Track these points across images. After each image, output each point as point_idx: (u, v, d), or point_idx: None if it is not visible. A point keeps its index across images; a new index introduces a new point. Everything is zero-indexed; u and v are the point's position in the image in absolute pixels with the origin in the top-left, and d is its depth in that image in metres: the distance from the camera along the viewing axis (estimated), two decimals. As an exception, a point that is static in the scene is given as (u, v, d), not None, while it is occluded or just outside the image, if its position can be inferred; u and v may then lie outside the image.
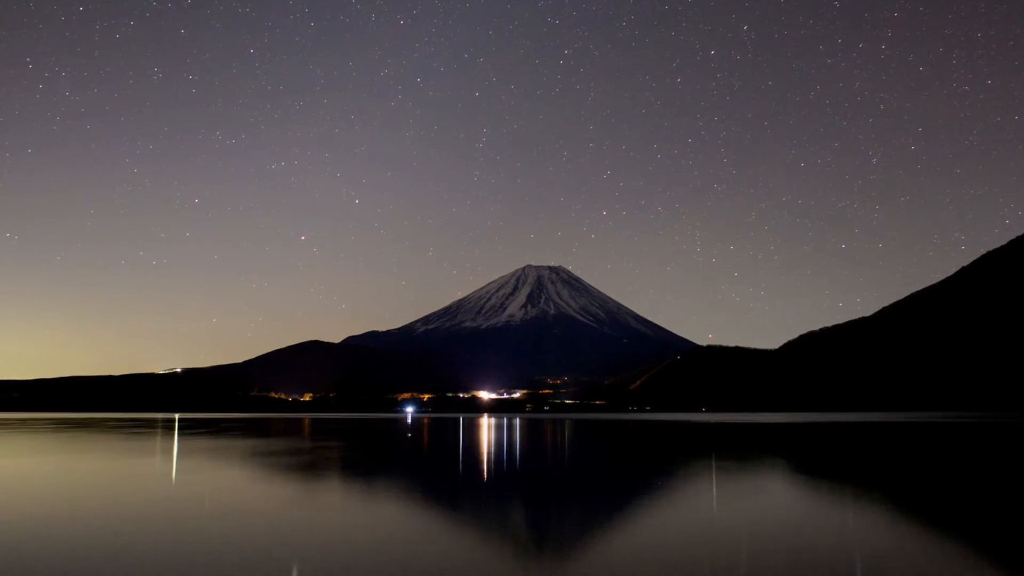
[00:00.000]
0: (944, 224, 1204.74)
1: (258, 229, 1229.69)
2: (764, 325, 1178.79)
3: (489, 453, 18.19)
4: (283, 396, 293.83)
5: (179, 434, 30.45)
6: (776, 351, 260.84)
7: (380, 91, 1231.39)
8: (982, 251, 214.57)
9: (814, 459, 16.76)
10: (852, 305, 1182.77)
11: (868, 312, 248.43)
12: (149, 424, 50.78)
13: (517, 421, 54.60)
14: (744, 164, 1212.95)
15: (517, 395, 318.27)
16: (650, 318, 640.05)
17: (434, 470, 14.63)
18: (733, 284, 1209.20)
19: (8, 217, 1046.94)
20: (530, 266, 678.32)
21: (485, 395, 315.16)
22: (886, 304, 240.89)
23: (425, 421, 59.05)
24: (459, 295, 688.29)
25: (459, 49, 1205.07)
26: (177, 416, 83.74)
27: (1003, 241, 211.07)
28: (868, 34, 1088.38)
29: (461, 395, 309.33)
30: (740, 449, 21.53)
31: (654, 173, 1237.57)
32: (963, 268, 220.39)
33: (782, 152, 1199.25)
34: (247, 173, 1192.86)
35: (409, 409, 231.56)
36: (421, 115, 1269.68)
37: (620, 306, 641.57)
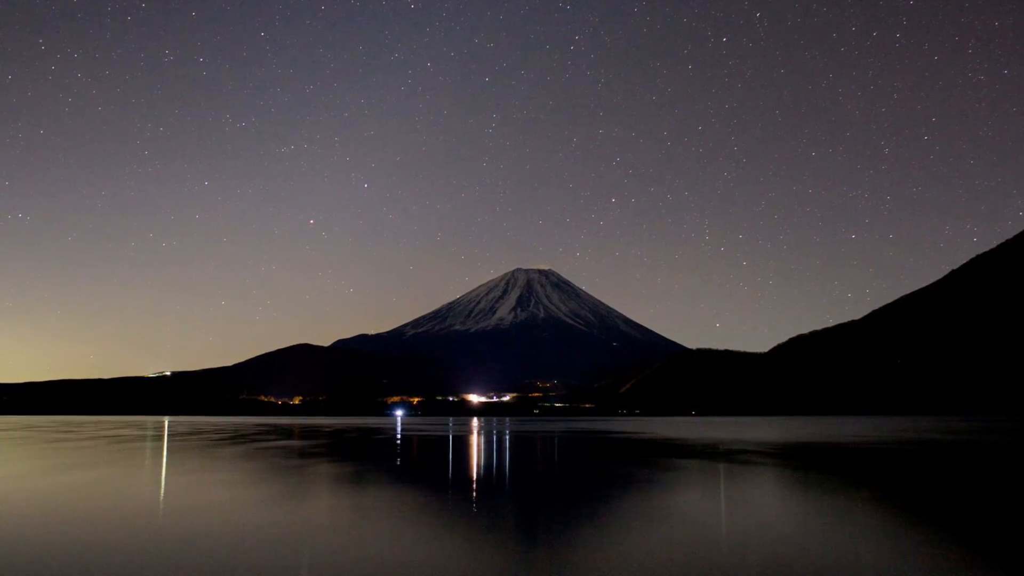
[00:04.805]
0: (956, 215, 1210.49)
1: (267, 212, 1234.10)
2: (765, 321, 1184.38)
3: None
4: (272, 399, 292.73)
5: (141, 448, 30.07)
6: (765, 354, 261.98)
7: (390, 76, 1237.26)
8: (995, 243, 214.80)
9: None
10: (861, 297, 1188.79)
11: (877, 304, 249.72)
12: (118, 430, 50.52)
13: (508, 430, 54.72)
14: (754, 152, 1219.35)
15: (507, 398, 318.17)
16: (640, 322, 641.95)
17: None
18: (741, 273, 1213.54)
19: (19, 198, 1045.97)
20: (519, 269, 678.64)
21: (475, 398, 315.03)
22: (887, 301, 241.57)
23: (414, 439, 59.17)
24: (456, 295, 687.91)
25: (469, 34, 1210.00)
26: (167, 420, 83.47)
27: (1011, 234, 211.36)
28: (882, 22, 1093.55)
29: (451, 398, 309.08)
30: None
31: (663, 160, 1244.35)
32: (953, 271, 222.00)
33: (793, 141, 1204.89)
34: (256, 156, 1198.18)
35: (399, 412, 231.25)
36: (431, 100, 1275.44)
37: (610, 310, 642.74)
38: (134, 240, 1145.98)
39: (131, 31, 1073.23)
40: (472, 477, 11.46)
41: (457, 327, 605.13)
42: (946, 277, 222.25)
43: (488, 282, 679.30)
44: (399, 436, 28.77)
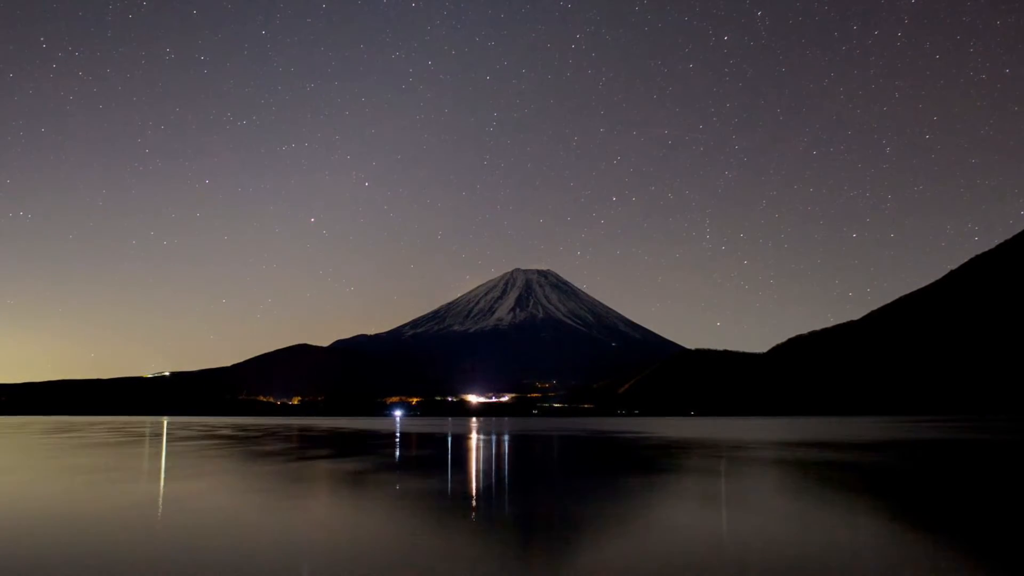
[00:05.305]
0: (958, 215, 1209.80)
1: (267, 211, 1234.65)
2: (765, 321, 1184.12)
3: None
4: (271, 400, 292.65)
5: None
6: (764, 355, 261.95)
7: (391, 74, 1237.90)
8: (995, 243, 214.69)
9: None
10: (861, 297, 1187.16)
11: (877, 304, 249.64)
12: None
13: (507, 431, 54.57)
14: (755, 151, 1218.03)
15: (506, 399, 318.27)
16: (640, 322, 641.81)
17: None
18: (741, 273, 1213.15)
19: (20, 197, 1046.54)
20: (518, 270, 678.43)
21: (474, 399, 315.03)
22: (887, 301, 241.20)
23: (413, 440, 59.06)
24: (455, 295, 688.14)
25: (470, 33, 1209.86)
26: (166, 420, 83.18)
27: (1011, 234, 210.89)
28: (884, 21, 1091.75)
29: (450, 399, 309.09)
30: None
31: (664, 159, 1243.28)
32: (953, 271, 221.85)
33: (794, 140, 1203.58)
34: (257, 154, 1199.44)
35: (398, 413, 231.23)
36: (431, 98, 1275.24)
37: (609, 310, 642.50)
38: (135, 239, 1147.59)
39: (132, 29, 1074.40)
40: (471, 478, 11.32)
41: (456, 327, 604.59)
42: (946, 277, 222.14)
43: (487, 282, 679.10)
44: (397, 437, 28.61)
